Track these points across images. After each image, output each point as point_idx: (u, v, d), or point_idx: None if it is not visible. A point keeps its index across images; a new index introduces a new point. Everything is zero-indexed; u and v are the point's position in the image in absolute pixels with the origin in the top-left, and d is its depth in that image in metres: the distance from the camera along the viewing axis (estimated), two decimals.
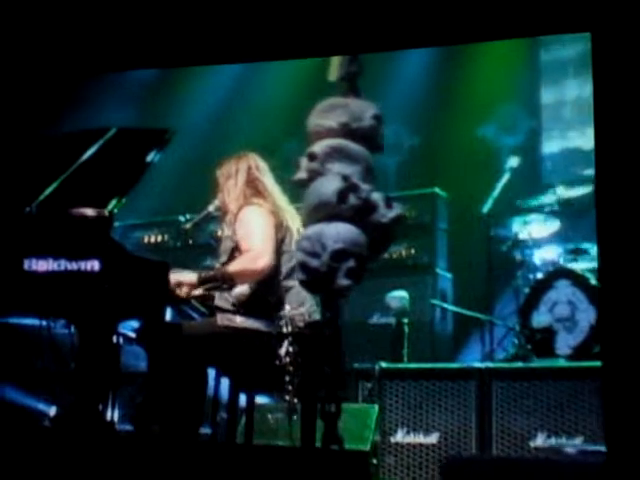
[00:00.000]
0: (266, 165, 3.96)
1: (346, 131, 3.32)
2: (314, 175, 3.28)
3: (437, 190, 6.04)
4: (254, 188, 3.88)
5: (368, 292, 5.25)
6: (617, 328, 2.88)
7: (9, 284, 3.44)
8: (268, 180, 3.92)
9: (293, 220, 3.83)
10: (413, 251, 5.87)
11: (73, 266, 3.39)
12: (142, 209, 5.96)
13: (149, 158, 3.72)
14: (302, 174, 3.28)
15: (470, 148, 6.45)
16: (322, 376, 3.20)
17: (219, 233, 5.66)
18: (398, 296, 5.39)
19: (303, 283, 3.36)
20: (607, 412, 2.95)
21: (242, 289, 3.73)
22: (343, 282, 3.14)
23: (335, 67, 3.33)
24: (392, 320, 5.38)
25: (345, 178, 3.19)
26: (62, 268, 3.39)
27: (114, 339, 3.55)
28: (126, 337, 3.74)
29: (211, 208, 4.08)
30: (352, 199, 3.18)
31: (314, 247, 3.17)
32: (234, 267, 3.68)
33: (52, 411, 4.66)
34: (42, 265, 3.42)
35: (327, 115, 3.32)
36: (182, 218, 5.77)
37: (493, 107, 6.59)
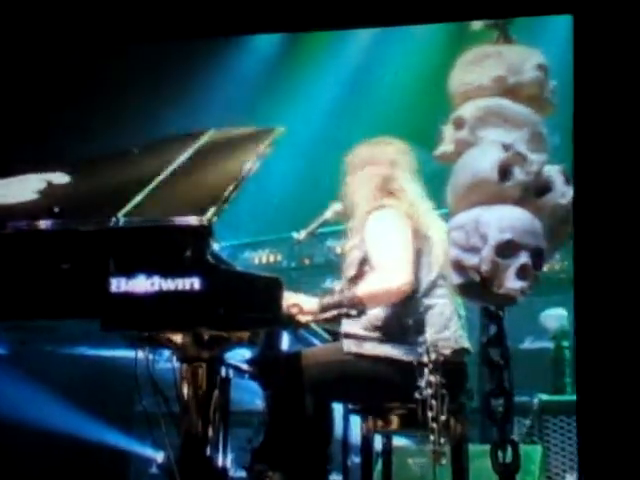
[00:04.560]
0: (409, 159, 3.36)
1: (502, 87, 2.66)
2: (463, 146, 2.60)
3: None
4: (388, 188, 3.31)
5: (517, 312, 4.47)
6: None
7: (97, 309, 2.93)
8: (407, 178, 3.33)
9: (435, 226, 3.24)
10: (567, 263, 5.12)
11: (169, 285, 2.90)
12: (251, 226, 5.61)
13: (252, 161, 3.27)
14: (447, 146, 2.63)
15: None
16: (492, 414, 2.53)
17: (338, 250, 5.14)
18: (556, 315, 4.72)
19: (459, 288, 2.66)
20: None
21: (373, 310, 3.17)
22: (514, 284, 2.45)
23: None
24: (550, 344, 4.80)
25: (507, 147, 2.49)
26: (156, 288, 2.90)
27: (222, 371, 3.06)
28: (236, 369, 3.26)
29: (328, 215, 3.51)
30: (519, 174, 2.50)
31: (471, 239, 2.49)
32: (363, 290, 3.10)
33: (160, 457, 4.23)
34: (133, 285, 2.93)
35: (475, 69, 2.66)
36: (296, 234, 5.26)
37: None
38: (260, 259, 5.71)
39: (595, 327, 2.51)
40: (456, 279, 2.63)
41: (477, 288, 2.59)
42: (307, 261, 5.52)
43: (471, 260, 2.53)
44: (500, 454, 2.67)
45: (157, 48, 4.55)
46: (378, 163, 3.32)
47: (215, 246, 3.04)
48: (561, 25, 4.89)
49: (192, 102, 5.41)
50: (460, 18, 3.28)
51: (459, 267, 2.57)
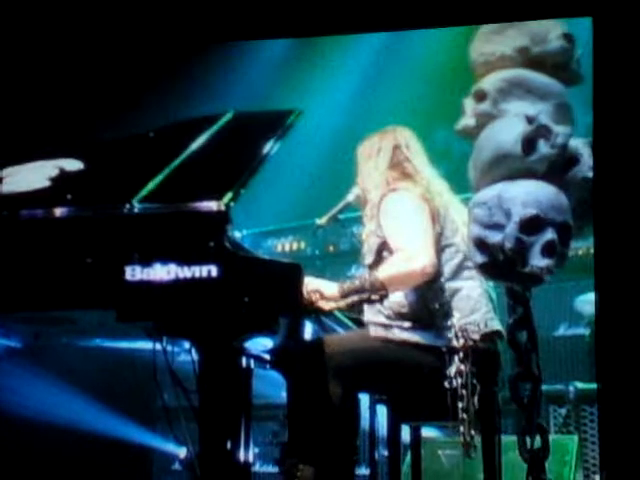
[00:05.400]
0: (418, 143, 3.30)
1: (526, 58, 2.57)
2: (485, 120, 2.51)
3: None
4: (401, 172, 3.24)
5: (550, 298, 4.65)
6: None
7: (112, 299, 2.85)
8: (419, 161, 3.26)
9: (457, 208, 3.15)
10: None
11: (186, 273, 2.82)
12: (274, 213, 5.49)
13: (270, 144, 3.21)
14: (469, 120, 2.54)
15: None
16: (519, 399, 2.41)
17: (364, 236, 5.06)
18: (591, 300, 4.52)
19: (481, 267, 2.55)
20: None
21: (397, 297, 3.09)
22: (539, 262, 2.34)
23: None
24: (585, 330, 4.71)
25: (530, 120, 2.38)
26: (172, 276, 2.83)
27: (242, 362, 2.96)
28: (258, 359, 3.16)
29: (350, 198, 3.43)
30: (543, 147, 2.41)
31: (494, 216, 2.40)
32: (385, 272, 3.02)
33: (182, 453, 4.16)
34: (149, 273, 2.85)
35: (497, 38, 2.58)
36: (318, 220, 5.19)
37: None
38: (283, 247, 5.62)
39: (617, 315, 2.42)
40: (478, 258, 2.52)
41: (501, 267, 2.49)
42: (331, 248, 5.43)
43: (494, 237, 2.43)
44: (528, 440, 2.56)
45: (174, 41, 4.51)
46: (385, 149, 3.27)
47: (235, 233, 2.98)
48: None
49: (210, 93, 5.33)
50: (478, 21, 3.24)
51: (481, 245, 2.46)
